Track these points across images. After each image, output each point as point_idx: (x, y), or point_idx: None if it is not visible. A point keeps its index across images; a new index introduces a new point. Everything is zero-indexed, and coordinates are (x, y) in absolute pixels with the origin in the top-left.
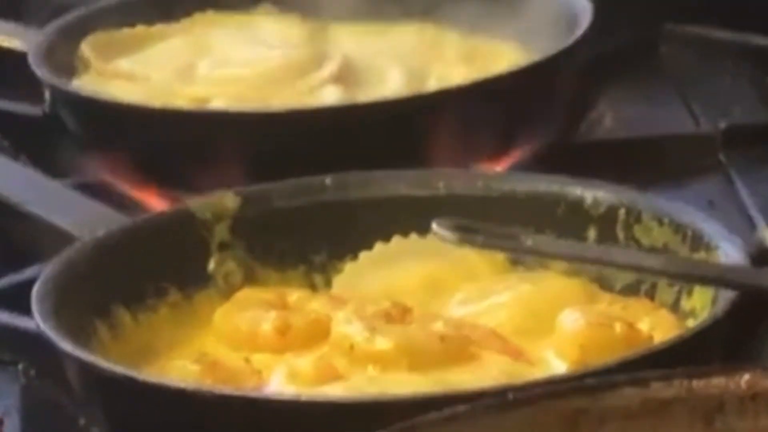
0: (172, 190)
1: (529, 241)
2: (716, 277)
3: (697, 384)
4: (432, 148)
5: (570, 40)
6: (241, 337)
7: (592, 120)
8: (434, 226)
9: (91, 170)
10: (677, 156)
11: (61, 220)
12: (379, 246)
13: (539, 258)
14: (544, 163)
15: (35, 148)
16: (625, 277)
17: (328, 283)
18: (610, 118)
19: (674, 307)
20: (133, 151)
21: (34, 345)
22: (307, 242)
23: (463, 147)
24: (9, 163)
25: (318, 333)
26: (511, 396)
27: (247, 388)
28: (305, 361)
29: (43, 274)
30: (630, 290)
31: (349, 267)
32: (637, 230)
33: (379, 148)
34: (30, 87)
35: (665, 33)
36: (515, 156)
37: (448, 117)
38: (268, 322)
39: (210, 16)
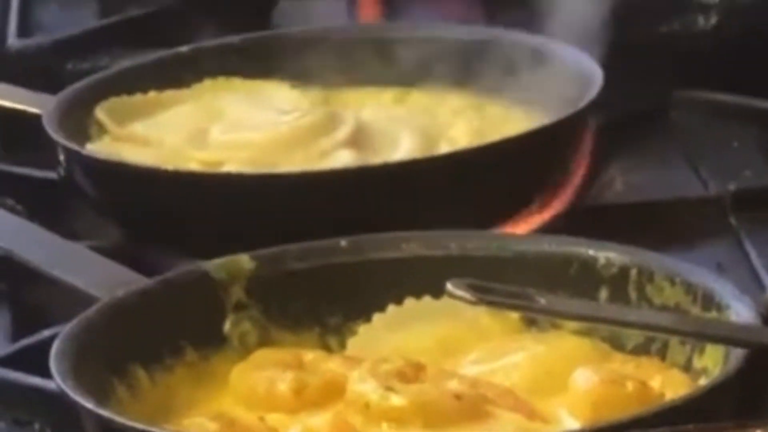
0: (187, 252)
1: (542, 301)
2: (727, 336)
3: None
4: (443, 211)
5: (580, 105)
6: (257, 397)
7: (603, 184)
8: (449, 286)
9: (106, 233)
10: (687, 219)
11: (80, 281)
12: (392, 308)
13: (552, 317)
14: (554, 226)
15: (50, 211)
16: (637, 337)
17: (342, 345)
18: (621, 183)
19: (686, 366)
20: (147, 213)
21: (52, 404)
22: (322, 304)
23: (474, 209)
24: (26, 224)
25: (333, 392)
26: None
27: None
28: (321, 420)
29: (62, 334)
30: (641, 350)
31: (363, 329)
32: (649, 290)
33: (391, 210)
34: (44, 151)
35: (674, 99)
36: (525, 219)
37: (460, 180)
38: (284, 382)
39: (221, 82)
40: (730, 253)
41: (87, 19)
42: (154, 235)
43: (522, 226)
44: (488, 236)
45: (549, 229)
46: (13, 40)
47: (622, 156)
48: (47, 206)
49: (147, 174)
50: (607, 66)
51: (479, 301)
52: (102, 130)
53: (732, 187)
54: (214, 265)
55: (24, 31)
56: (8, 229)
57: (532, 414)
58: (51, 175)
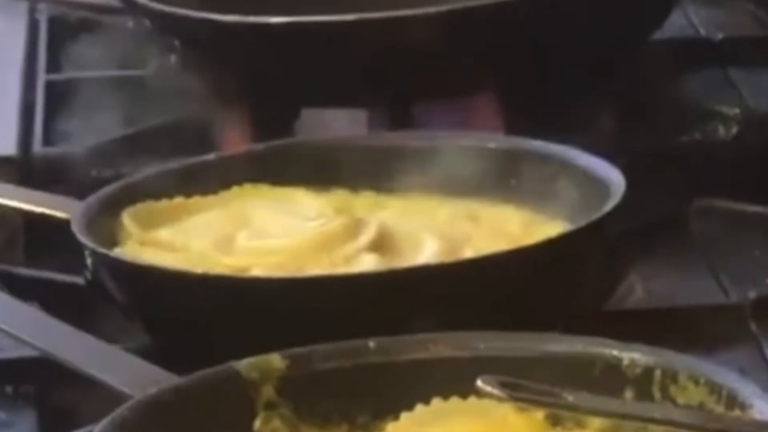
0: (216, 353)
1: (570, 398)
2: None
3: None
4: (466, 314)
5: (602, 212)
6: None
7: (624, 290)
8: (479, 382)
9: (132, 337)
10: (707, 326)
11: (112, 380)
12: (420, 407)
13: (580, 414)
14: (575, 331)
15: (77, 316)
16: None
17: None
18: (642, 289)
19: None
20: (175, 316)
21: None
22: (351, 403)
23: (497, 313)
24: (58, 324)
25: None
26: None
27: None
28: None
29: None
30: None
31: (391, 427)
32: (673, 390)
33: (416, 312)
34: (69, 256)
35: (695, 207)
36: (547, 324)
37: (482, 284)
38: None
39: (247, 189)
40: (751, 359)
41: (111, 128)
42: (182, 337)
43: (545, 330)
44: (514, 337)
45: (571, 333)
46: (38, 148)
47: (644, 263)
48: (73, 311)
49: (175, 277)
50: (629, 174)
51: (509, 398)
52: (128, 235)
53: (752, 294)
54: (246, 365)
55: (49, 139)
56: (39, 329)
57: None
58: (76, 279)
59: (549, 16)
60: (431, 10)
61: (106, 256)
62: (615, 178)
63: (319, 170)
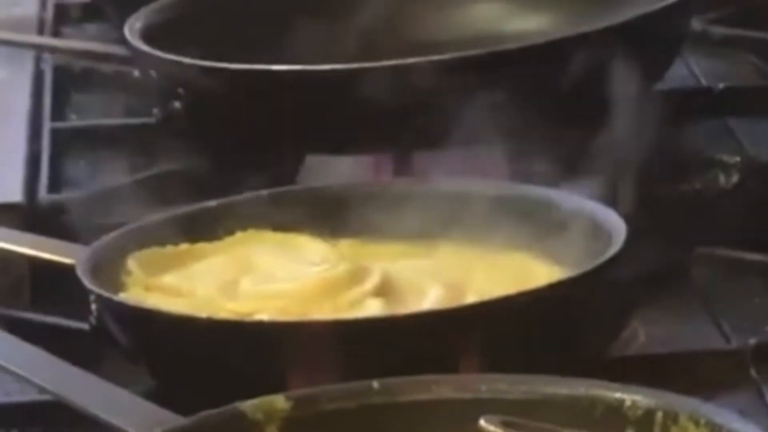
0: (221, 395)
1: None
2: None
3: None
4: (469, 358)
5: (604, 259)
6: None
7: (625, 337)
8: (482, 422)
9: (137, 380)
10: (708, 371)
11: (119, 421)
12: None
13: None
14: (577, 376)
15: (82, 361)
16: None
17: None
18: (643, 335)
19: None
20: (181, 360)
21: None
22: None
23: (499, 357)
24: (65, 366)
25: None
26: None
27: None
28: None
29: None
30: None
31: None
32: (674, 431)
33: (420, 356)
34: (73, 302)
35: (697, 255)
36: (549, 369)
37: (486, 329)
38: None
39: (251, 234)
40: (751, 403)
41: (116, 175)
42: (188, 379)
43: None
44: (516, 379)
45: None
46: (43, 195)
47: (646, 309)
48: (78, 355)
49: (181, 322)
50: (631, 221)
51: None
52: (134, 280)
53: (753, 340)
54: (250, 406)
55: (54, 186)
56: (46, 371)
57: None
58: (81, 324)
59: (551, 66)
60: (434, 58)
61: (111, 301)
62: (617, 225)
63: (323, 216)
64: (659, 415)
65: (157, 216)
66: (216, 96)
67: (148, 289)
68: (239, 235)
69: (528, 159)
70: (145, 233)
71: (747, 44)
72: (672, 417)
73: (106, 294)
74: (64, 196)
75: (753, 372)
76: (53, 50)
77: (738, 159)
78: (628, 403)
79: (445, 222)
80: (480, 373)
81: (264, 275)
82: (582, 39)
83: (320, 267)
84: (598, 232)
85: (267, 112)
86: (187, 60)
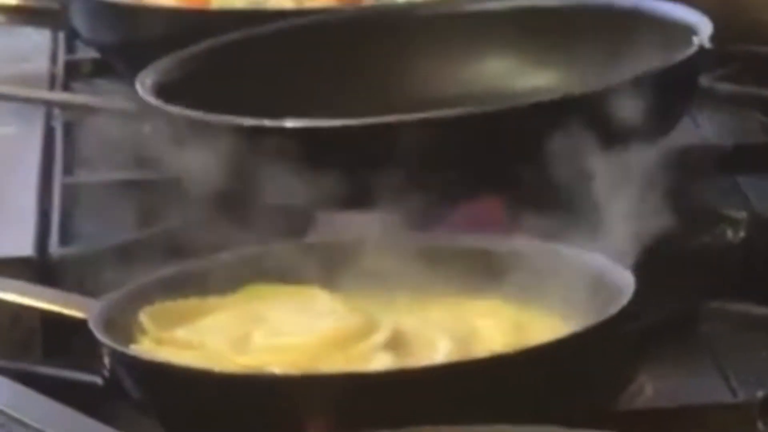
0: None
1: None
2: None
3: None
4: (479, 411)
5: (612, 313)
6: None
7: (632, 390)
8: None
9: None
10: (716, 425)
11: None
12: None
13: None
14: (584, 428)
15: (95, 414)
16: None
17: None
18: (651, 388)
19: None
20: (193, 414)
21: None
22: None
23: (507, 409)
24: (81, 418)
25: None
26: None
27: None
28: None
29: None
30: None
31: None
32: None
33: (430, 410)
34: (85, 355)
35: (704, 309)
36: (555, 423)
37: (494, 383)
38: None
39: (262, 288)
40: None
41: (126, 230)
42: None
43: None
44: (523, 431)
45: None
46: (54, 249)
47: (653, 363)
48: (90, 409)
49: (193, 375)
50: (640, 275)
51: None
52: (145, 334)
53: (760, 394)
54: None
55: (65, 240)
56: (61, 423)
57: None
58: (94, 378)
59: (560, 122)
60: (445, 113)
61: (124, 354)
62: (625, 279)
63: (333, 270)
64: None
65: (168, 270)
66: (225, 150)
67: (160, 342)
68: (250, 288)
69: (536, 213)
70: (157, 287)
71: (754, 101)
72: None
73: (118, 347)
74: (76, 249)
75: (760, 425)
76: (64, 105)
77: (745, 214)
78: None
79: (453, 275)
80: (488, 425)
81: (275, 328)
82: (590, 96)
83: (330, 320)
84: (606, 285)
85: (278, 167)
86: (197, 114)
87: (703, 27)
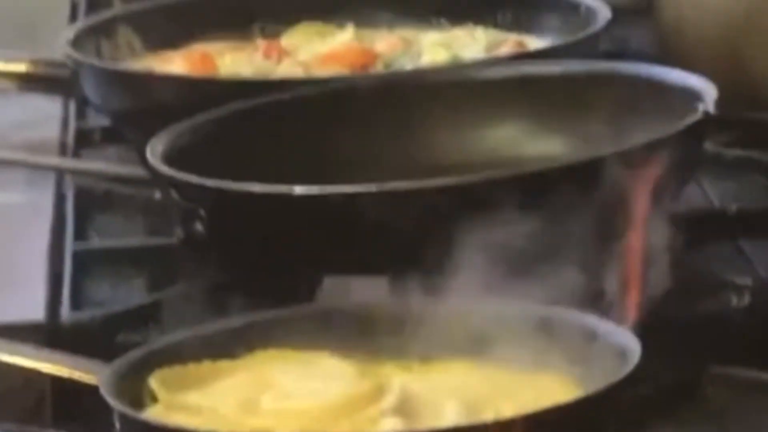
0: None
1: None
2: None
3: None
4: None
5: (617, 378)
6: None
7: None
8: None
9: None
10: None
11: None
12: None
13: None
14: None
15: None
16: None
17: None
18: None
19: None
20: None
21: None
22: None
23: None
24: None
25: None
26: None
27: None
28: None
29: None
30: None
31: None
32: None
33: None
34: (97, 421)
35: (710, 374)
36: None
37: None
38: None
39: (272, 353)
40: None
41: (137, 295)
42: None
43: None
44: None
45: None
46: (65, 314)
47: (658, 428)
48: None
49: None
50: (644, 341)
51: None
52: (156, 398)
53: None
54: None
55: (76, 304)
56: None
57: None
58: None
59: (566, 189)
60: (452, 180)
61: (134, 419)
62: (631, 343)
63: (342, 335)
64: None
65: (178, 334)
66: (235, 216)
67: (170, 407)
68: (259, 353)
69: (541, 277)
70: (167, 352)
71: (759, 167)
72: None
73: (129, 412)
74: (86, 314)
75: None
76: (75, 172)
77: (749, 280)
78: None
79: (461, 339)
80: None
81: (284, 393)
82: (596, 162)
83: (339, 385)
84: (612, 350)
85: (286, 233)
86: (206, 182)
87: (709, 93)
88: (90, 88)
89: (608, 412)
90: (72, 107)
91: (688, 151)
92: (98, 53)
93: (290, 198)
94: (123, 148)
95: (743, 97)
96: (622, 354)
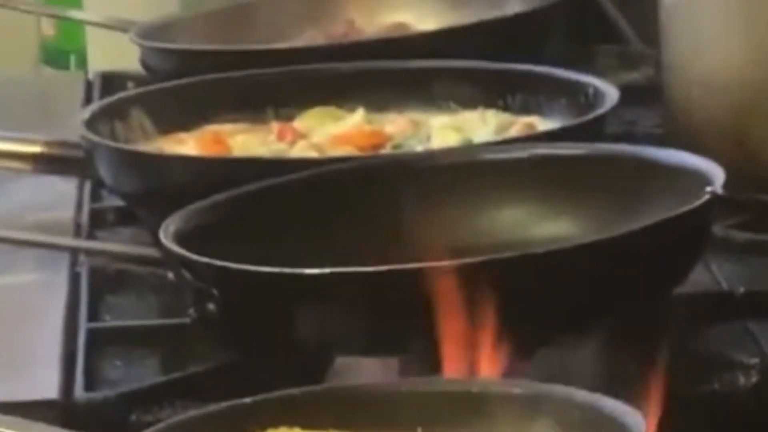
0: None
1: None
2: None
3: None
4: None
5: None
6: None
7: None
8: None
9: None
10: None
11: None
12: None
13: None
14: None
15: None
16: None
17: None
18: None
19: None
20: None
21: None
22: None
23: None
24: None
25: None
26: None
27: None
28: None
29: None
30: None
31: None
32: None
33: None
34: None
35: None
36: None
37: None
38: None
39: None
40: None
41: (150, 374)
42: None
43: None
44: None
45: None
46: (80, 393)
47: None
48: None
49: None
50: (651, 420)
51: None
52: None
53: None
54: None
55: (90, 384)
56: None
57: None
58: None
59: (576, 271)
60: (463, 261)
61: None
62: (638, 423)
63: (353, 415)
64: None
65: (191, 414)
66: (247, 296)
67: None
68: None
69: (549, 359)
70: (180, 431)
71: (767, 249)
72: None
73: None
74: (100, 394)
75: None
76: (89, 252)
77: (757, 361)
78: None
79: (468, 419)
80: None
81: None
82: (604, 244)
83: None
84: (618, 429)
85: (298, 314)
86: (219, 262)
87: (716, 175)
88: (104, 169)
89: None
90: (86, 188)
91: (696, 233)
92: (112, 135)
93: (301, 279)
94: (136, 228)
95: (751, 179)
96: (627, 429)
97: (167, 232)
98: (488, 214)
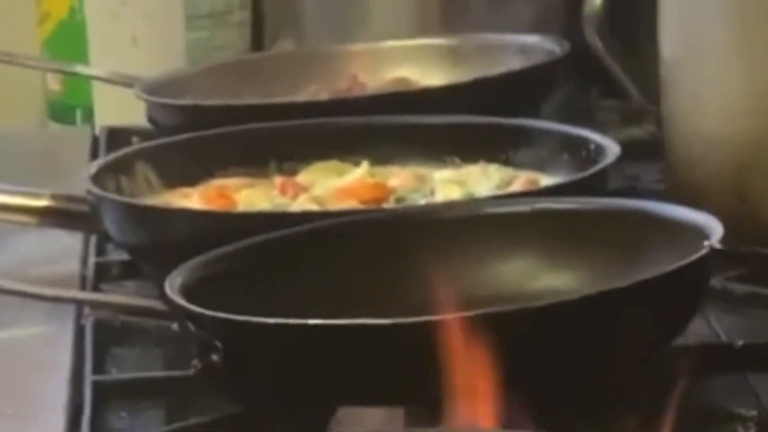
0: None
1: None
2: None
3: None
4: None
5: None
6: None
7: None
8: None
9: None
10: None
11: None
12: None
13: None
14: None
15: None
16: None
17: None
18: None
19: None
20: None
21: None
22: None
23: None
24: None
25: None
26: None
27: None
28: None
29: None
30: None
31: None
32: None
33: None
34: None
35: None
36: None
37: None
38: None
39: None
40: None
41: (154, 425)
42: None
43: None
44: None
45: None
46: None
47: None
48: None
49: None
50: None
51: None
52: None
53: None
54: None
55: None
56: None
57: None
58: None
59: (576, 322)
60: (466, 313)
61: None
62: None
63: None
64: None
65: None
66: (251, 348)
67: None
68: None
69: (548, 409)
70: None
71: (766, 302)
72: None
73: None
74: None
75: None
76: (94, 305)
77: (755, 413)
78: None
79: None
80: None
81: None
82: (605, 296)
83: None
84: None
85: (302, 365)
86: (222, 315)
87: (715, 229)
88: (109, 223)
89: None
90: (92, 242)
91: (695, 286)
92: (118, 189)
93: (304, 330)
94: (141, 281)
95: (752, 233)
96: None
97: (172, 285)
98: (491, 266)
